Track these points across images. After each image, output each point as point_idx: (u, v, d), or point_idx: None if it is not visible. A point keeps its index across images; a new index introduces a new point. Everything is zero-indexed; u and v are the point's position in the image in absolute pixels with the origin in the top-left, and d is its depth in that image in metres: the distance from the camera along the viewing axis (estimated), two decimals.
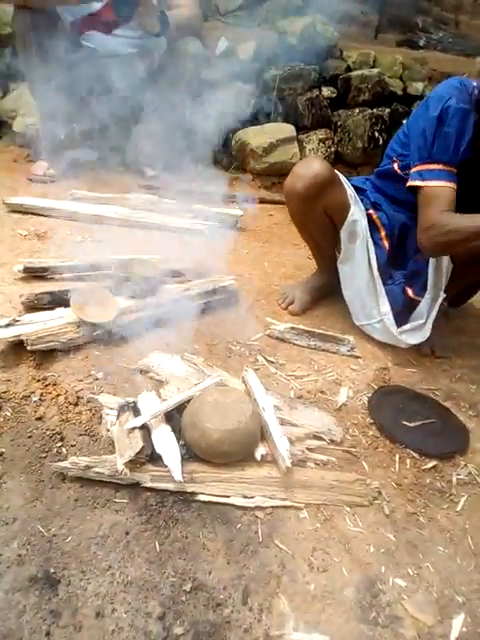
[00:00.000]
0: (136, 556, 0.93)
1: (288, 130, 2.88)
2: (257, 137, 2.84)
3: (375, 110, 2.94)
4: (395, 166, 1.52)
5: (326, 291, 1.80)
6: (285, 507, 1.05)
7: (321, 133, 2.91)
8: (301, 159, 2.86)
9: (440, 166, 1.32)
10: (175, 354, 1.37)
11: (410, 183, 1.39)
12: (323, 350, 1.57)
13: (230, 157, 2.92)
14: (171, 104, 2.52)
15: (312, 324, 1.69)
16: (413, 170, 1.38)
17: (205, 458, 1.06)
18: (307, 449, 1.15)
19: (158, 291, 1.56)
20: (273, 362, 1.48)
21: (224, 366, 1.40)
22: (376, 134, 2.92)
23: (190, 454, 1.07)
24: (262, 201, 2.61)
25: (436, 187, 1.32)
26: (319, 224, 1.59)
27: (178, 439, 1.08)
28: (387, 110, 2.96)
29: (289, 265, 2.07)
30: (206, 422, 1.04)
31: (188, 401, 1.13)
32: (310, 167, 1.50)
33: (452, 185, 1.32)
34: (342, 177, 1.59)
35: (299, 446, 1.14)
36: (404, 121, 1.56)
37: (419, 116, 1.40)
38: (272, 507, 1.04)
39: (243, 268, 1.96)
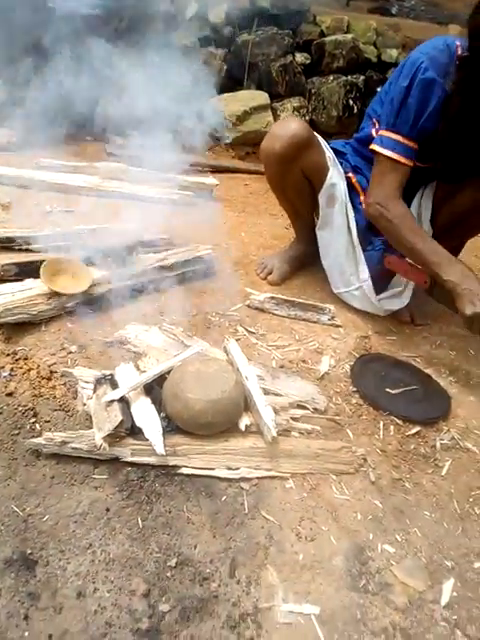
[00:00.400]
0: (117, 533, 0.89)
1: (262, 98, 2.80)
2: (230, 105, 2.75)
3: (349, 77, 2.88)
4: (373, 131, 1.47)
5: (305, 260, 1.77)
6: (271, 477, 1.02)
7: (295, 101, 2.84)
8: None
9: (400, 138, 1.32)
10: (153, 325, 1.32)
11: (372, 146, 1.38)
12: (303, 319, 1.54)
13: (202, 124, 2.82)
14: (139, 69, 2.41)
15: (292, 294, 1.66)
16: (380, 134, 1.37)
17: (188, 430, 1.02)
18: (291, 419, 1.13)
19: (133, 261, 1.50)
20: (254, 332, 1.44)
21: (204, 337, 1.35)
22: (351, 102, 2.87)
23: (172, 426, 1.03)
24: (237, 171, 2.54)
25: (392, 159, 1.34)
26: (297, 187, 1.54)
27: (159, 411, 1.04)
28: (362, 77, 2.90)
29: (266, 235, 2.02)
30: (188, 392, 1.00)
31: (168, 372, 1.09)
32: (288, 127, 1.46)
33: (407, 162, 1.33)
34: (321, 139, 1.55)
35: (283, 416, 1.11)
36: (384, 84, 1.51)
37: (395, 77, 1.35)
38: (258, 478, 1.02)
39: (220, 238, 1.90)
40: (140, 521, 0.92)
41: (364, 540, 0.95)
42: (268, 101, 2.79)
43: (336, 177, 1.53)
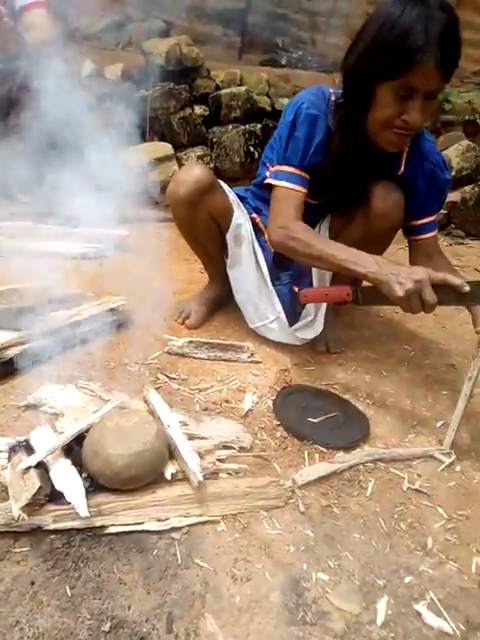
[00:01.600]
0: (45, 605, 0.84)
1: (165, 149, 2.89)
2: (135, 157, 2.81)
3: (247, 126, 3.04)
4: (268, 173, 1.57)
5: (221, 301, 1.81)
6: (202, 523, 1.02)
7: (198, 150, 2.95)
8: None
9: (291, 169, 1.41)
10: (68, 384, 1.29)
11: (267, 181, 1.47)
12: (224, 360, 1.56)
13: (109, 177, 2.85)
14: (39, 126, 2.42)
15: (211, 335, 1.69)
16: (272, 169, 1.47)
17: (113, 487, 0.99)
18: (218, 460, 1.13)
19: (43, 320, 1.47)
20: (175, 378, 1.45)
21: (124, 389, 1.34)
22: (251, 149, 3.02)
23: (95, 486, 1.01)
24: (148, 220, 2.57)
25: (286, 188, 1.42)
26: (205, 230, 1.60)
27: (81, 472, 1.01)
28: (259, 125, 3.08)
29: (182, 280, 2.05)
30: (109, 448, 0.98)
31: (88, 431, 1.06)
32: (191, 172, 1.52)
33: (300, 189, 1.41)
34: (223, 183, 1.62)
35: (209, 459, 1.11)
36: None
37: (279, 124, 1.47)
38: (188, 525, 1.00)
39: (134, 287, 1.90)
40: (68, 589, 0.87)
41: (298, 572, 0.96)
42: (172, 151, 2.88)
43: (241, 218, 1.61)
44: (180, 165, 2.90)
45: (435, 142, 1.58)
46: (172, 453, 1.08)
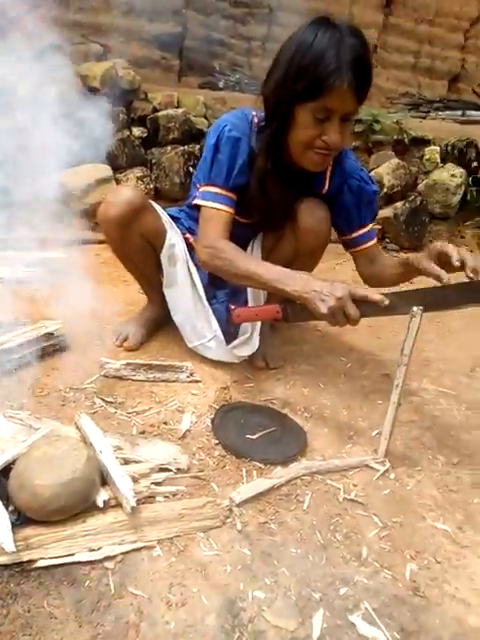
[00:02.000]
0: None
1: (104, 170, 2.88)
2: (73, 179, 2.78)
3: (186, 147, 3.08)
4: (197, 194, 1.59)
5: (160, 321, 1.80)
6: (137, 550, 1.00)
7: (138, 171, 2.96)
8: None
9: (216, 189, 1.44)
10: None
11: (194, 201, 1.50)
12: (163, 380, 1.55)
13: (46, 199, 2.82)
14: None
15: (150, 356, 1.67)
16: (199, 190, 1.49)
17: (42, 519, 0.96)
18: (153, 484, 1.12)
19: None
20: (112, 402, 1.43)
21: (58, 417, 1.31)
22: (190, 169, 3.06)
23: (23, 519, 0.97)
24: (86, 242, 2.55)
25: (213, 208, 1.45)
26: (139, 251, 1.60)
27: (7, 506, 0.97)
28: (197, 146, 3.12)
29: (121, 302, 2.04)
30: (35, 480, 0.95)
31: (14, 462, 1.03)
32: (121, 194, 1.53)
33: (227, 209, 1.45)
34: (155, 204, 1.63)
35: (144, 482, 1.10)
36: None
37: (205, 143, 1.51)
38: (122, 553, 0.98)
39: (72, 311, 1.87)
40: None
41: (235, 592, 0.95)
42: (111, 173, 2.87)
43: (174, 238, 1.62)
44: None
45: (357, 160, 1.65)
46: (105, 479, 1.06)
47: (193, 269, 1.62)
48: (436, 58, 4.78)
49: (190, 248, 1.65)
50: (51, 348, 1.57)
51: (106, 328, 1.80)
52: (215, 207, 1.43)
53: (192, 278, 1.62)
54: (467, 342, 2.13)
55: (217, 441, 1.33)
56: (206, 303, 1.62)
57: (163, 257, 1.59)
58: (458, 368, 1.88)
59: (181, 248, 1.62)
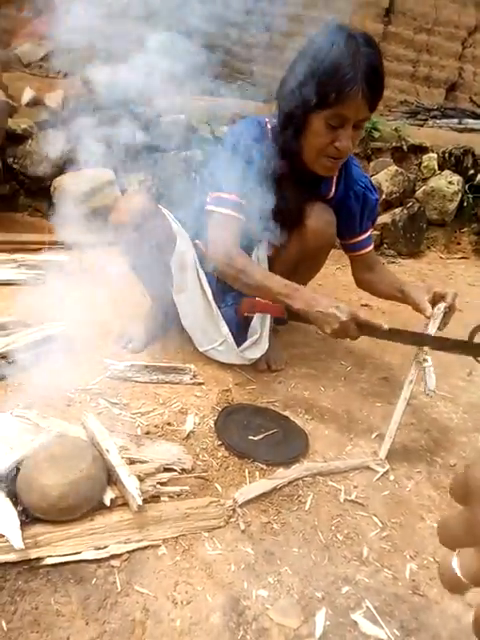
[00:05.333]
0: None
1: (107, 174, 2.90)
2: (76, 183, 2.80)
3: (188, 152, 3.10)
4: (207, 199, 1.61)
5: (164, 324, 1.82)
6: (142, 548, 1.01)
7: (139, 176, 2.98)
8: None
9: (229, 196, 1.47)
10: (2, 412, 1.26)
11: (207, 207, 1.52)
12: (166, 382, 1.57)
13: (51, 204, 2.84)
14: None
15: (154, 359, 1.69)
16: (211, 196, 1.52)
17: (50, 519, 0.98)
18: (159, 483, 1.13)
19: None
20: (116, 403, 1.44)
21: (64, 416, 1.32)
22: (192, 174, 3.08)
23: (31, 517, 0.99)
24: (89, 245, 2.56)
25: (225, 214, 1.47)
26: (149, 257, 1.62)
27: (16, 504, 0.99)
28: (199, 152, 3.15)
29: (124, 304, 2.05)
30: (43, 479, 0.97)
31: (22, 461, 1.04)
32: (133, 200, 1.57)
33: (238, 215, 1.47)
34: (165, 210, 1.65)
35: (149, 482, 1.11)
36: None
37: (219, 151, 1.54)
38: (128, 552, 1.00)
39: (75, 313, 1.88)
40: (5, 624, 0.85)
41: (239, 591, 0.97)
42: (113, 177, 2.89)
43: (184, 245, 1.64)
44: (121, 191, 2.91)
45: (361, 166, 1.69)
46: (111, 478, 1.08)
47: (202, 274, 1.64)
48: (434, 67, 4.83)
49: (199, 253, 1.67)
50: (55, 349, 1.59)
51: (110, 330, 1.82)
52: (227, 213, 1.46)
53: (201, 283, 1.64)
54: None
55: (220, 442, 1.35)
56: (216, 307, 1.64)
57: (173, 263, 1.61)
58: (455, 372, 1.90)
59: (190, 254, 1.64)
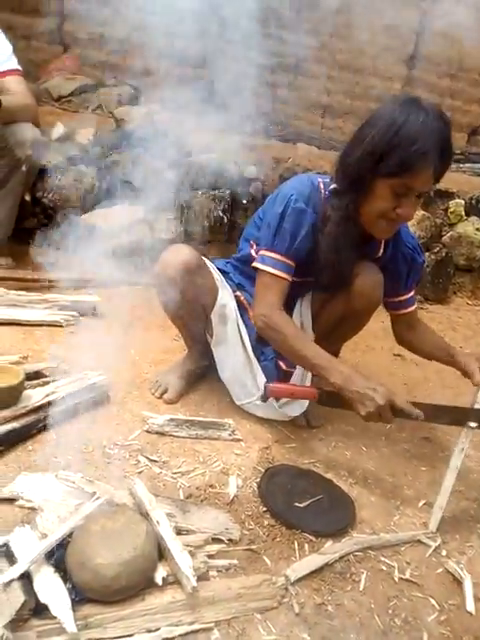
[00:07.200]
0: None
1: (136, 212, 2.91)
2: (106, 220, 2.82)
3: (216, 191, 3.12)
4: (252, 251, 1.60)
5: (199, 373, 1.79)
6: (194, 632, 0.96)
7: (168, 214, 2.99)
8: (152, 239, 2.90)
9: (278, 256, 1.46)
10: (46, 472, 1.22)
11: (254, 264, 1.52)
12: (205, 438, 1.53)
13: (78, 240, 2.84)
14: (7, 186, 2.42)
15: (189, 410, 1.66)
16: (259, 253, 1.51)
17: (102, 599, 0.93)
18: (208, 557, 1.09)
19: (17, 399, 1.41)
20: (156, 461, 1.41)
21: (104, 475, 1.29)
22: (220, 213, 3.09)
23: (81, 595, 0.94)
24: (120, 284, 2.55)
25: (273, 274, 1.47)
26: (190, 310, 1.60)
27: (65, 579, 0.95)
28: (228, 191, 3.16)
29: (157, 349, 2.03)
30: (97, 558, 0.93)
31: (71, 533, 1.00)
32: (178, 254, 1.54)
33: (286, 276, 1.47)
34: (208, 261, 1.64)
35: (200, 557, 1.06)
36: (260, 208, 1.67)
37: (268, 207, 1.54)
38: (180, 635, 0.95)
39: (109, 359, 1.85)
40: None
41: None
42: (142, 215, 2.91)
43: (226, 297, 1.63)
44: (151, 228, 2.92)
45: (408, 227, 1.68)
46: (162, 552, 1.04)
47: (242, 328, 1.63)
48: (457, 111, 4.87)
49: (240, 306, 1.65)
50: (92, 400, 1.56)
51: (144, 378, 1.79)
52: (275, 274, 1.45)
53: (241, 337, 1.62)
54: None
55: (265, 508, 1.30)
56: (255, 361, 1.61)
57: (214, 316, 1.60)
58: None
59: (231, 307, 1.62)
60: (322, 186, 1.48)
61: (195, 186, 3.08)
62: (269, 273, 1.46)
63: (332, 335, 1.68)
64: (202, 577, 1.04)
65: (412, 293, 1.68)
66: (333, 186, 1.46)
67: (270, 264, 1.46)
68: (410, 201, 1.34)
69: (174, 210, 3.00)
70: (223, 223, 3.09)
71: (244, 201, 3.21)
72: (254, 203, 3.35)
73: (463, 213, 3.36)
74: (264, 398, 1.48)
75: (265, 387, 1.46)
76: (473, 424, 1.40)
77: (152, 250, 2.88)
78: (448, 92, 4.67)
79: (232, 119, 4.34)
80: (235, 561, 1.12)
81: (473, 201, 3.38)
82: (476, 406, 1.43)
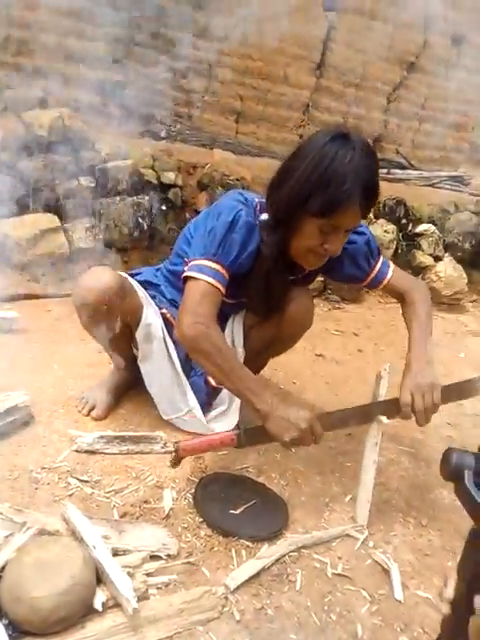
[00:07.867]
0: None
1: (51, 220, 2.81)
2: (18, 229, 2.69)
3: (135, 198, 3.08)
4: (187, 265, 1.55)
5: (127, 387, 1.77)
6: None
7: (86, 222, 2.91)
8: (70, 249, 2.81)
9: (218, 267, 1.37)
10: None
11: (187, 273, 1.39)
12: (137, 452, 1.52)
13: None
14: None
15: (119, 426, 1.63)
16: (194, 262, 1.39)
17: (40, 633, 0.90)
18: (146, 575, 1.08)
19: None
20: (87, 481, 1.37)
21: (33, 502, 1.24)
22: (140, 220, 3.05)
23: (18, 631, 0.91)
24: (35, 297, 2.46)
25: (208, 283, 1.35)
26: (113, 330, 1.56)
27: (0, 616, 0.91)
28: (146, 197, 3.13)
29: (81, 363, 1.97)
30: (33, 591, 0.90)
31: (3, 567, 0.96)
32: (99, 279, 1.46)
33: (222, 289, 1.38)
34: (131, 280, 1.60)
35: (139, 576, 1.06)
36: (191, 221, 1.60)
37: (208, 218, 1.43)
38: None
39: (30, 377, 1.79)
40: None
41: None
42: (58, 223, 2.81)
43: (151, 316, 1.59)
44: (68, 237, 2.83)
45: None
46: (99, 576, 1.02)
47: (170, 344, 1.60)
48: (362, 119, 5.14)
49: (167, 323, 1.62)
50: (15, 422, 1.49)
51: (69, 394, 1.74)
52: (212, 283, 1.35)
53: (169, 353, 1.60)
54: None
55: (201, 519, 1.31)
56: (184, 377, 1.61)
57: (138, 334, 1.56)
58: (411, 424, 1.98)
59: (157, 325, 1.59)
60: (258, 208, 1.44)
61: (112, 193, 3.02)
62: (205, 282, 1.35)
63: (260, 355, 1.73)
64: (142, 597, 1.03)
65: (378, 265, 1.59)
66: (265, 216, 1.42)
67: (207, 273, 1.35)
68: (337, 237, 1.34)
69: (91, 218, 2.93)
70: (143, 230, 3.06)
71: (163, 207, 3.20)
72: (173, 209, 3.35)
73: (372, 216, 3.56)
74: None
75: (176, 448, 1.36)
76: (383, 418, 1.46)
77: (70, 260, 2.80)
78: (354, 101, 4.91)
79: (145, 123, 4.29)
80: (174, 576, 1.12)
81: (381, 205, 3.59)
82: (380, 399, 1.51)
